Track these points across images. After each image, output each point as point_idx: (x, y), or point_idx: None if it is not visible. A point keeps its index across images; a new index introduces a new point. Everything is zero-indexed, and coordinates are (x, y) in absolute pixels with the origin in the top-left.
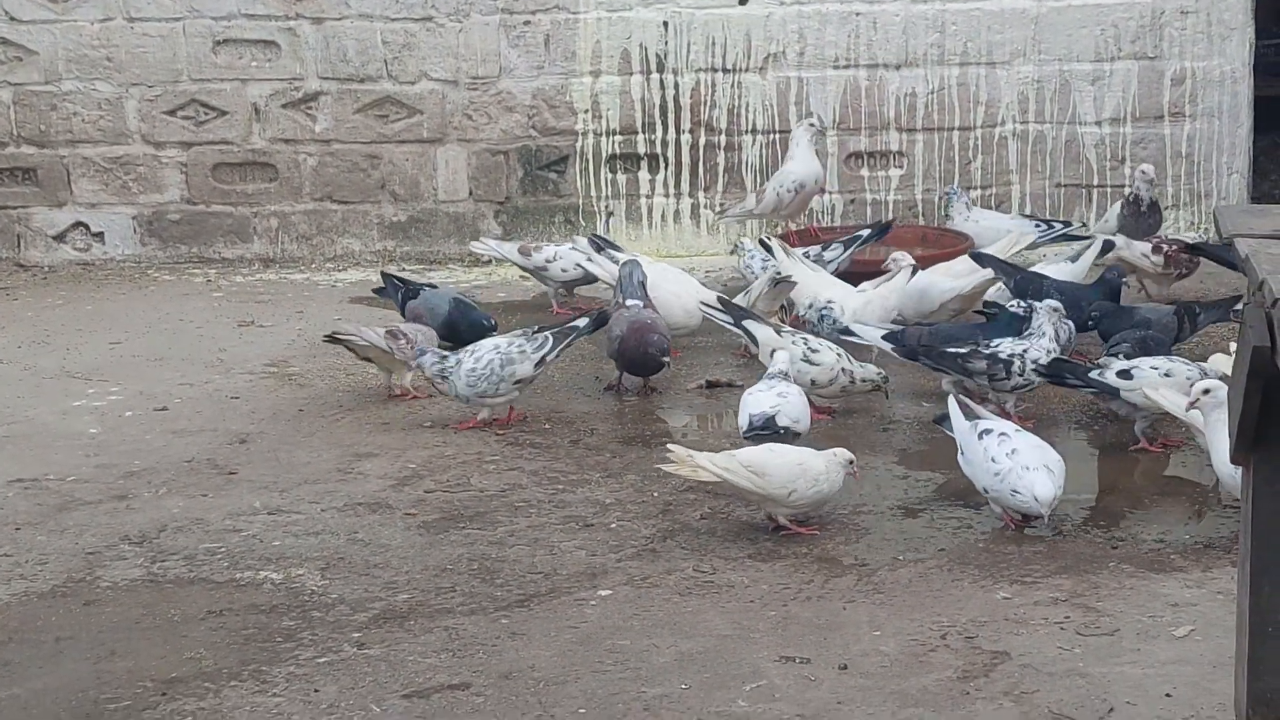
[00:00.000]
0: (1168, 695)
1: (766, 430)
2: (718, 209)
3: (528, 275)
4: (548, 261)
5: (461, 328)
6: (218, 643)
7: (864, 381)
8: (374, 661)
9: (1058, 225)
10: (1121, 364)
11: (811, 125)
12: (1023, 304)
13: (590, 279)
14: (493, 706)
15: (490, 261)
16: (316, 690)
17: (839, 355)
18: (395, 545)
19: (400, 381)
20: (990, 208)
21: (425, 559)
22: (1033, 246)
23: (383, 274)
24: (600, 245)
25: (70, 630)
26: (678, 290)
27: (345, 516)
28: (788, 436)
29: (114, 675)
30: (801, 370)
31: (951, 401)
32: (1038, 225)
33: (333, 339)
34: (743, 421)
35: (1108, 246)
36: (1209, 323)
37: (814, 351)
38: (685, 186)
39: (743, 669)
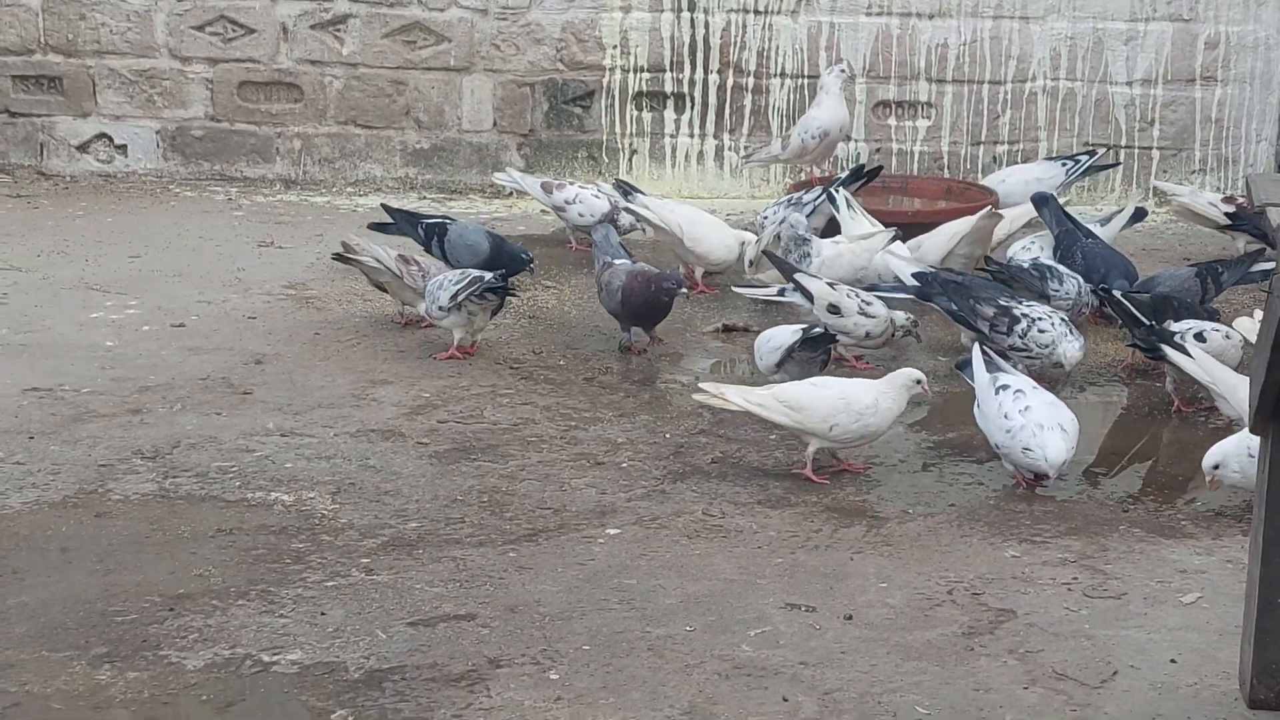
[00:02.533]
0: (1172, 661)
1: (827, 337)
2: (743, 153)
3: (548, 210)
4: (566, 203)
5: (500, 262)
6: (226, 561)
7: (900, 328)
8: (381, 588)
9: (1083, 158)
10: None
11: (843, 72)
12: (1036, 267)
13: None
14: (497, 639)
15: (511, 194)
16: (323, 613)
17: (887, 305)
18: (406, 474)
19: (415, 312)
20: (1016, 163)
21: (436, 489)
22: (1065, 188)
23: (387, 208)
24: (627, 190)
25: (79, 541)
26: (716, 226)
27: (358, 442)
28: (823, 355)
29: (122, 588)
30: (858, 323)
31: (976, 350)
32: (1064, 164)
33: (342, 258)
34: (783, 342)
35: (1139, 214)
36: (1233, 282)
37: (868, 304)
38: (710, 128)
39: (748, 614)
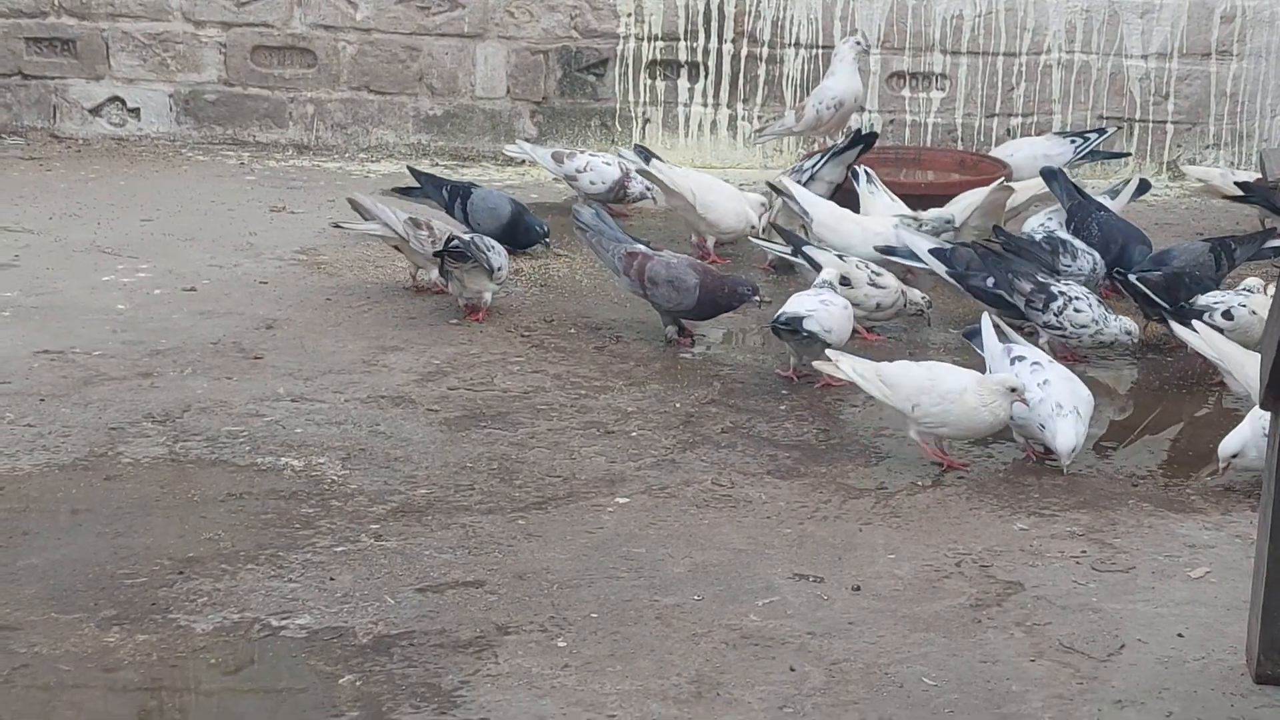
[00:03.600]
0: (1179, 635)
1: (789, 329)
2: (756, 125)
3: (560, 179)
4: (578, 171)
5: (518, 231)
6: (236, 525)
7: (912, 305)
8: (390, 554)
9: (1092, 136)
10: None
11: (857, 44)
12: (1048, 240)
13: (622, 195)
14: (505, 605)
15: (524, 162)
16: (332, 579)
17: (897, 278)
18: (416, 440)
19: (427, 276)
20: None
21: (445, 455)
22: (1073, 166)
23: (413, 171)
24: (648, 155)
25: (89, 504)
26: (729, 195)
27: (368, 408)
28: (812, 342)
29: (131, 551)
30: (869, 294)
31: (985, 319)
32: (1072, 141)
33: (341, 225)
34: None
35: (1144, 186)
36: (1246, 257)
37: (878, 275)
38: (724, 97)
39: (756, 584)
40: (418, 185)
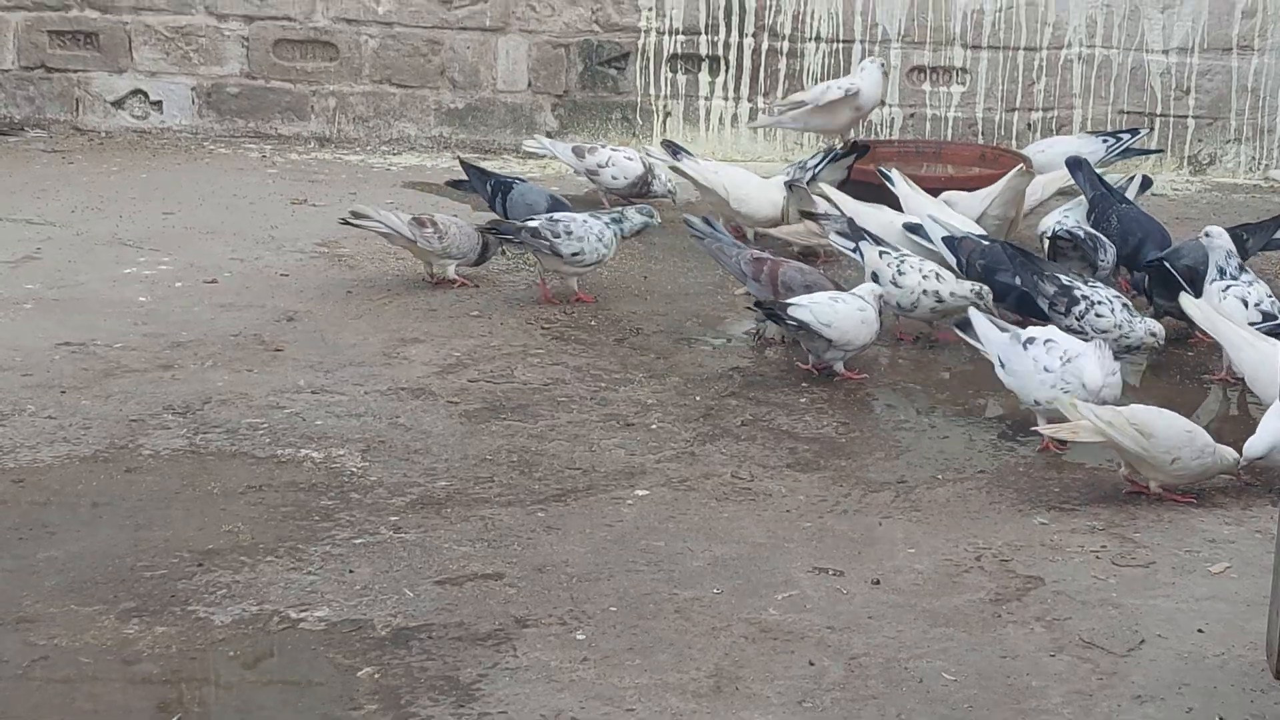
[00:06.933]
0: (1199, 631)
1: (763, 306)
2: (775, 112)
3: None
4: (600, 166)
5: None
6: (255, 518)
7: (954, 296)
8: (409, 546)
9: (1125, 135)
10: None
11: (882, 65)
12: (1090, 237)
13: (645, 190)
14: (524, 598)
15: (544, 155)
16: (351, 571)
17: (924, 277)
18: (436, 432)
19: (443, 273)
20: (1051, 132)
21: (465, 448)
22: (1103, 164)
23: (463, 163)
24: (676, 150)
25: (109, 496)
26: (760, 185)
27: (388, 400)
28: (811, 336)
29: (151, 543)
30: (889, 293)
31: (972, 311)
32: (1104, 140)
33: (350, 222)
34: None
35: (1146, 183)
36: (1259, 247)
37: (901, 275)
38: (745, 91)
39: (775, 578)
40: (462, 179)
